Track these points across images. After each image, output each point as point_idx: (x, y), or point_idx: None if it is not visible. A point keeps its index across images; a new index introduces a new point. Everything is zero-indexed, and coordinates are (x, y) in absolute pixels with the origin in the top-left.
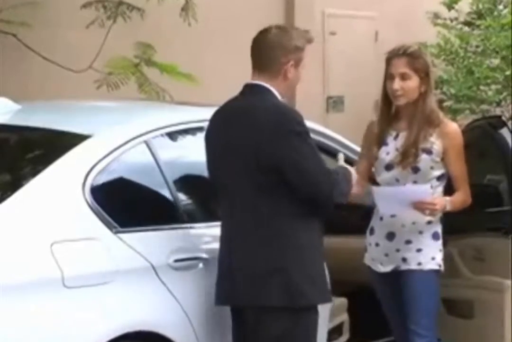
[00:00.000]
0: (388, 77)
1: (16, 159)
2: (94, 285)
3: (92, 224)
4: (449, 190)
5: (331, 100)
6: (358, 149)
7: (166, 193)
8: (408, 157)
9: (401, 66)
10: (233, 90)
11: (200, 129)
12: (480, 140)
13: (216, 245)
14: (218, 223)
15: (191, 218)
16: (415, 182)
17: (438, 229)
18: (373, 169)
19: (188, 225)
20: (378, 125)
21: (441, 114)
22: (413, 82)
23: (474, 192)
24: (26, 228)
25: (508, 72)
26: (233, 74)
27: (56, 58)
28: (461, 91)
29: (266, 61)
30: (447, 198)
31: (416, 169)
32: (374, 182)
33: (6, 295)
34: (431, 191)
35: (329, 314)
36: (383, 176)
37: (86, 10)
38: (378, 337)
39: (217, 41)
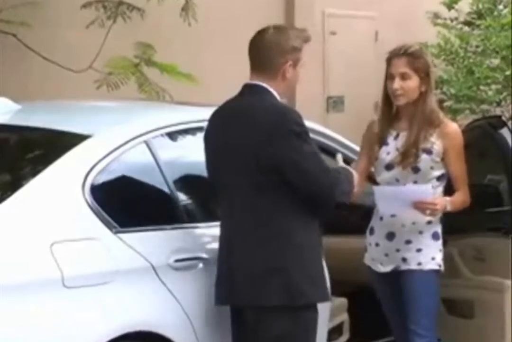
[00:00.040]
0: (389, 77)
1: (16, 159)
2: (94, 285)
3: (92, 224)
4: (448, 190)
5: (331, 100)
6: (358, 149)
7: (166, 193)
8: (408, 157)
9: (401, 66)
10: (233, 90)
11: (200, 129)
12: (480, 140)
13: (216, 245)
14: (218, 223)
15: (191, 218)
16: (415, 182)
17: (438, 229)
18: (372, 169)
19: (188, 225)
20: (378, 125)
21: (441, 115)
22: (413, 82)
23: (474, 192)
24: (26, 228)
25: (508, 72)
26: (233, 74)
27: (56, 58)
28: (461, 91)
29: (264, 62)
30: (448, 198)
31: (416, 170)
32: (373, 182)
33: (6, 295)
34: (431, 191)
35: (329, 314)
36: (383, 175)
37: (86, 10)
38: (378, 337)
39: (217, 41)
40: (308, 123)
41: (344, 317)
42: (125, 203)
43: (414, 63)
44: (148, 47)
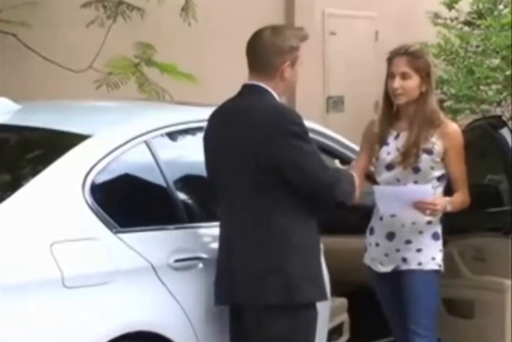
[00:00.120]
0: (389, 76)
1: (16, 159)
2: (94, 285)
3: (92, 224)
4: (448, 191)
5: (331, 100)
6: (358, 149)
7: (166, 193)
8: (409, 157)
9: (401, 65)
10: (233, 90)
11: (200, 129)
12: (481, 140)
13: (216, 245)
14: (218, 223)
15: (191, 218)
16: (415, 182)
17: (438, 229)
18: (372, 168)
19: (188, 225)
20: (379, 124)
21: (441, 115)
22: (414, 81)
23: (475, 192)
24: (26, 228)
25: (508, 72)
26: (233, 74)
27: (56, 58)
28: (461, 91)
29: (262, 63)
30: (448, 198)
31: (416, 170)
32: (373, 182)
33: (6, 295)
34: (432, 191)
35: (329, 314)
36: (384, 175)
37: (86, 10)
38: (378, 337)
39: (217, 41)
40: (308, 123)
41: (344, 317)
42: (125, 203)
43: (414, 63)
44: (148, 47)
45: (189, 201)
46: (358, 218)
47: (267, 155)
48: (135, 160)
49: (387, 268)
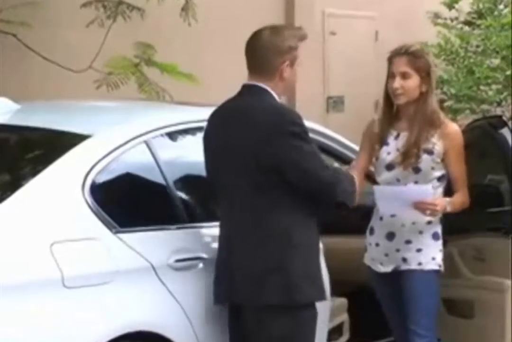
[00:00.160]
0: (389, 76)
1: (16, 159)
2: (94, 285)
3: (92, 224)
4: (448, 191)
5: (331, 100)
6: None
7: (166, 193)
8: (409, 157)
9: (402, 65)
10: (233, 90)
11: (200, 129)
12: (481, 140)
13: (216, 245)
14: (218, 223)
15: (191, 218)
16: (416, 182)
17: (438, 229)
18: (372, 168)
19: (188, 225)
20: (379, 124)
21: (442, 115)
22: (414, 81)
23: (475, 192)
24: (26, 228)
25: (508, 72)
26: (233, 74)
27: (56, 58)
28: (461, 91)
29: (261, 63)
30: (448, 199)
31: (417, 170)
32: (372, 181)
33: (6, 295)
34: (432, 191)
35: (329, 314)
36: (384, 176)
37: (86, 10)
38: (378, 337)
39: (217, 41)
40: (308, 123)
41: (344, 317)
42: (125, 203)
43: (415, 63)
44: (148, 47)
45: (189, 201)
46: (358, 218)
47: (267, 155)
48: (135, 161)
49: (387, 268)
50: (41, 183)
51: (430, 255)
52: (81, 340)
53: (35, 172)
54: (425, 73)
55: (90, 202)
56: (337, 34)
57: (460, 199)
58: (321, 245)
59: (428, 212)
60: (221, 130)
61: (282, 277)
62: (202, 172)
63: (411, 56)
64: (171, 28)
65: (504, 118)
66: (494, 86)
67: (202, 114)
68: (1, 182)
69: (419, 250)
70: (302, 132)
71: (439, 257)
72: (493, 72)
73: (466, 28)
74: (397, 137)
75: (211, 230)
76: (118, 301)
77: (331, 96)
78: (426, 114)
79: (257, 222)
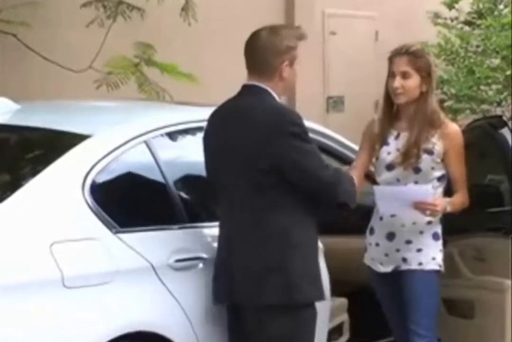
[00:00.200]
0: (390, 75)
1: (16, 159)
2: (94, 285)
3: (91, 224)
4: (448, 191)
5: (331, 100)
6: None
7: (166, 193)
8: (410, 157)
9: (402, 64)
10: (233, 90)
11: (200, 129)
12: (481, 140)
13: (216, 245)
14: (218, 223)
15: (191, 218)
16: (416, 182)
17: (438, 229)
18: (372, 168)
19: (188, 225)
20: (379, 124)
21: (442, 115)
22: (414, 81)
23: (475, 192)
24: (26, 228)
25: (508, 72)
26: (233, 74)
27: (56, 58)
28: (461, 91)
29: (260, 64)
30: (448, 199)
31: (417, 170)
32: (372, 181)
33: (6, 295)
34: (432, 192)
35: (329, 314)
36: (384, 176)
37: (86, 10)
38: (378, 337)
39: (217, 41)
40: (308, 123)
41: (344, 317)
42: (125, 203)
43: (415, 62)
44: (148, 47)
45: (189, 201)
46: (358, 218)
47: (267, 155)
48: (135, 160)
49: (387, 268)
50: (41, 183)
51: (430, 255)
52: (81, 340)
53: (35, 172)
54: (425, 73)
55: (90, 202)
56: (337, 34)
57: (460, 199)
58: (321, 245)
59: (428, 212)
60: (221, 130)
61: (282, 276)
62: (202, 172)
63: (411, 56)
64: (171, 28)
65: (504, 118)
66: (494, 86)
67: (202, 114)
68: (1, 182)
69: (419, 250)
70: (302, 133)
71: (439, 257)
72: (493, 72)
73: (466, 28)
74: (397, 137)
75: (211, 230)
76: (118, 301)
77: (331, 96)
78: (426, 114)
79: (257, 222)
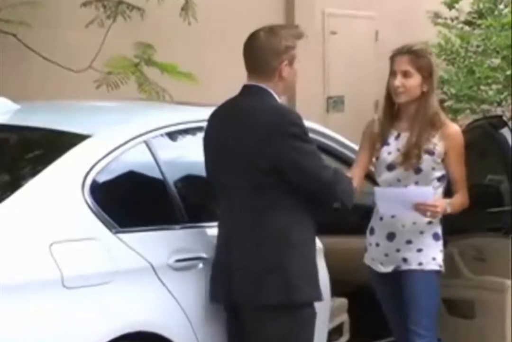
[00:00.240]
0: (391, 74)
1: (16, 159)
2: (94, 285)
3: (91, 224)
4: (447, 191)
5: (331, 100)
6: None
7: (166, 193)
8: (410, 158)
9: (403, 63)
10: (233, 90)
11: (200, 129)
12: (481, 140)
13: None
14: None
15: (191, 218)
16: (416, 183)
17: (439, 229)
18: (372, 168)
19: (188, 225)
20: (380, 124)
21: (443, 116)
22: (415, 80)
23: (475, 192)
24: (26, 228)
25: (508, 72)
26: (233, 74)
27: (56, 58)
28: (461, 91)
29: (259, 64)
30: (448, 200)
31: (418, 170)
32: (372, 182)
33: (6, 295)
34: (433, 192)
35: (329, 314)
36: (384, 176)
37: (86, 10)
38: (378, 337)
39: (217, 41)
40: (308, 123)
41: (344, 317)
42: (125, 203)
43: (417, 62)
44: (148, 47)
45: (189, 201)
46: (358, 218)
47: (267, 155)
48: (135, 160)
49: (387, 268)
50: (41, 182)
51: (430, 255)
52: (81, 340)
53: (35, 172)
54: (427, 73)
55: (90, 202)
56: (337, 34)
57: (460, 199)
58: (321, 245)
59: (428, 213)
60: (221, 131)
61: (282, 276)
62: (202, 172)
63: (413, 55)
64: (171, 28)
65: (504, 118)
66: (494, 86)
67: (202, 114)
68: (1, 182)
69: (419, 250)
70: (302, 133)
71: (439, 257)
72: (493, 72)
73: (467, 28)
74: (397, 137)
75: (211, 230)
76: (118, 301)
77: (331, 96)
78: (427, 114)
79: (256, 221)
